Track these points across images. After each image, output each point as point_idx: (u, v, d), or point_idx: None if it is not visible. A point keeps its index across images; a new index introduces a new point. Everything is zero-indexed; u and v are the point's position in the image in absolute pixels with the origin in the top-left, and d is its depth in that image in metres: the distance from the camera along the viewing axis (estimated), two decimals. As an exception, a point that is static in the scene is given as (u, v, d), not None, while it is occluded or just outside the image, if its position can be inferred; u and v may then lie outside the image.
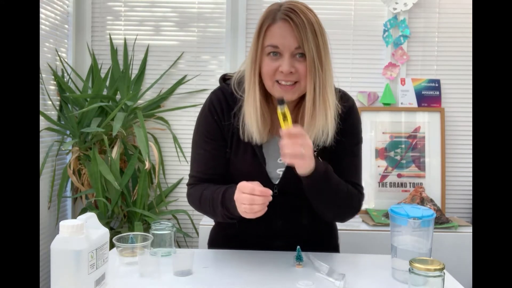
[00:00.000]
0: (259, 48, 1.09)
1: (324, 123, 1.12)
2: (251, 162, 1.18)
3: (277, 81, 1.10)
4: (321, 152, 1.17)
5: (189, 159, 1.28)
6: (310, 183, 1.10)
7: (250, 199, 1.02)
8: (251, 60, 1.11)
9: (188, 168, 1.27)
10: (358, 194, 1.21)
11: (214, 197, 1.14)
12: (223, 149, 1.20)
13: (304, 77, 1.09)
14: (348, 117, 1.21)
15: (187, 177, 1.26)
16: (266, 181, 1.17)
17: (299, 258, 1.15)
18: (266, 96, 1.16)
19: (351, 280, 1.07)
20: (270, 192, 1.03)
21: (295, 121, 1.14)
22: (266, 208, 1.04)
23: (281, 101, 1.03)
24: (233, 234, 1.28)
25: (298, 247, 1.16)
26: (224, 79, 1.25)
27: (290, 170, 1.14)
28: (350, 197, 1.17)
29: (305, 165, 1.06)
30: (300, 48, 1.07)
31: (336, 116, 1.15)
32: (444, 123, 2.37)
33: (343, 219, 1.23)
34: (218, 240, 1.34)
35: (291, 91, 1.10)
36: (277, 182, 1.19)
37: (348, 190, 1.17)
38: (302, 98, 1.15)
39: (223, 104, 1.19)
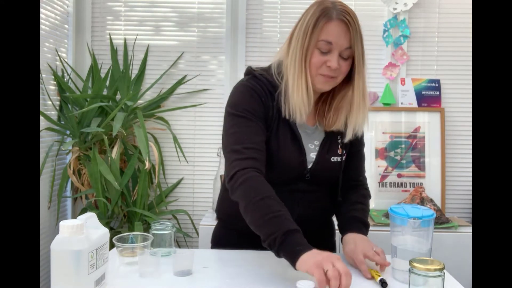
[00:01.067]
0: (313, 41, 1.16)
1: (363, 118, 1.25)
2: (291, 143, 1.22)
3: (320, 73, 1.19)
4: (344, 145, 1.28)
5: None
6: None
7: (346, 275, 0.97)
8: (301, 50, 1.17)
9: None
10: (367, 194, 1.37)
11: (278, 223, 1.06)
12: (265, 129, 1.22)
13: (342, 74, 1.20)
14: None
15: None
16: (302, 164, 1.23)
17: (299, 258, 1.15)
18: None
19: (351, 280, 1.07)
20: None
21: (321, 112, 1.27)
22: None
23: (385, 284, 1.05)
24: (244, 226, 1.18)
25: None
26: (252, 70, 1.29)
27: (322, 155, 1.25)
28: (368, 205, 1.35)
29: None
30: (350, 49, 1.17)
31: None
32: (444, 123, 2.37)
33: None
34: (227, 237, 1.35)
35: (329, 83, 1.20)
36: (310, 166, 1.25)
37: (366, 204, 1.33)
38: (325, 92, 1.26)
39: (264, 88, 1.23)
